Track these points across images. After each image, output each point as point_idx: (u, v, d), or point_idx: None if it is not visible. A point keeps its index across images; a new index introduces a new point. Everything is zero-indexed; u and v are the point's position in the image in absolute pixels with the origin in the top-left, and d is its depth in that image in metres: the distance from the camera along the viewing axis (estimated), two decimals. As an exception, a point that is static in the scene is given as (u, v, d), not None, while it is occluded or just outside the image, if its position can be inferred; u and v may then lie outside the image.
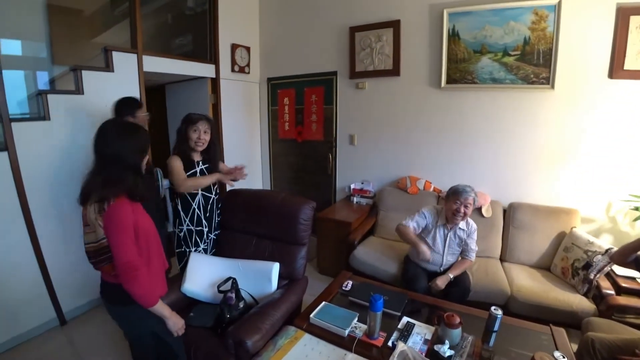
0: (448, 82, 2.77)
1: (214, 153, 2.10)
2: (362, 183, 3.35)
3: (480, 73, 2.63)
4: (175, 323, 1.33)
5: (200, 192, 2.04)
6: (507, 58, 2.52)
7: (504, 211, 2.64)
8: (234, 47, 3.58)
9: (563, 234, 2.37)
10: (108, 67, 2.56)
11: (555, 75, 2.40)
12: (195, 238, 2.06)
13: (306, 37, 3.57)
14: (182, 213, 2.03)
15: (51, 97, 2.27)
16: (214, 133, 2.05)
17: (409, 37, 2.92)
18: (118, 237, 1.18)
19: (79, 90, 2.40)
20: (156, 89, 3.96)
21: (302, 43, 3.62)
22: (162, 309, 1.28)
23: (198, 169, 2.01)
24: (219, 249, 2.19)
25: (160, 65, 2.96)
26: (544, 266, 2.39)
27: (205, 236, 2.10)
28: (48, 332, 2.33)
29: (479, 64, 2.62)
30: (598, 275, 1.98)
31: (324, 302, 1.77)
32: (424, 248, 2.07)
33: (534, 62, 2.44)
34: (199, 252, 2.07)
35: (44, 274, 2.30)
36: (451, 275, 2.03)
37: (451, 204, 2.06)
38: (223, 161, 3.58)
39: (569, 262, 2.17)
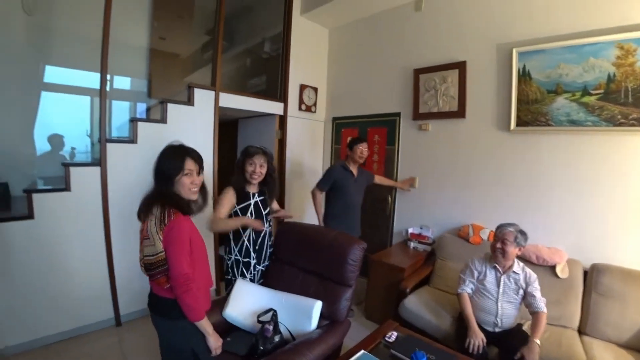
0: (518, 124, 2.56)
1: (271, 186, 2.14)
2: (421, 228, 3.17)
3: (556, 114, 2.39)
4: (215, 342, 1.40)
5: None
6: (588, 98, 2.26)
7: (585, 273, 2.24)
8: (302, 87, 3.82)
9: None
10: (189, 101, 2.90)
11: (650, 115, 2.07)
12: (242, 268, 2.08)
13: (371, 79, 3.67)
14: (232, 242, 2.08)
15: (140, 124, 2.63)
16: (271, 166, 2.10)
17: (475, 78, 2.82)
18: (176, 250, 1.28)
19: (163, 119, 2.75)
20: (230, 123, 4.36)
21: (366, 84, 3.71)
22: (206, 325, 1.36)
23: (252, 201, 2.06)
24: (266, 279, 2.19)
25: (234, 101, 3.26)
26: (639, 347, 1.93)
27: (252, 267, 2.10)
28: (103, 330, 2.57)
29: (554, 105, 2.39)
30: None
31: (362, 351, 1.64)
32: (474, 331, 1.86)
33: (621, 102, 2.14)
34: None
35: (111, 277, 2.58)
36: (538, 341, 1.74)
37: (492, 241, 1.96)
38: (283, 194, 3.74)
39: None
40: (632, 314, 1.97)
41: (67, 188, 2.35)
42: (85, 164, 2.52)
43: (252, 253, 2.09)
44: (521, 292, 1.91)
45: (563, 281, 2.21)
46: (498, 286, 1.94)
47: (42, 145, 3.24)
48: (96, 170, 2.45)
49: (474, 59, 2.82)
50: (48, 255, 2.31)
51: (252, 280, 2.11)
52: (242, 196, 2.04)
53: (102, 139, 2.44)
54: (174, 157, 1.38)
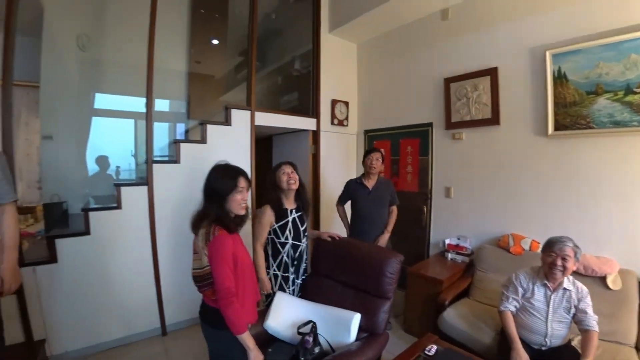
0: (556, 128, 2.47)
1: (304, 197, 2.21)
2: (458, 239, 3.10)
3: (597, 116, 2.28)
4: (257, 357, 1.41)
5: (290, 241, 2.12)
6: (632, 96, 2.14)
7: (640, 284, 2.08)
8: (334, 102, 3.91)
9: None
10: (227, 121, 3.06)
11: None
12: (280, 282, 2.13)
13: (401, 91, 3.69)
14: (271, 258, 2.14)
15: (182, 145, 2.80)
16: (299, 175, 2.17)
17: (507, 84, 2.76)
18: (219, 265, 1.36)
19: (203, 140, 2.91)
20: (265, 139, 4.52)
21: (397, 96, 3.73)
22: (247, 339, 1.39)
23: (290, 218, 2.11)
24: (305, 292, 2.23)
25: (269, 119, 3.39)
26: None
27: (291, 282, 2.16)
28: (150, 339, 2.72)
29: (595, 107, 2.28)
30: None
31: (402, 364, 1.64)
32: (518, 353, 1.74)
33: None
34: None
35: (157, 288, 2.73)
36: None
37: (546, 257, 1.80)
38: (318, 207, 3.79)
39: None
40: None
41: (118, 206, 2.55)
42: (134, 184, 2.72)
43: (290, 268, 2.15)
44: (573, 310, 1.77)
45: (615, 293, 2.07)
46: (548, 305, 1.80)
47: (92, 166, 3.55)
48: (144, 189, 2.64)
49: (506, 65, 2.77)
50: (102, 268, 2.50)
51: (294, 294, 2.16)
52: (280, 214, 2.10)
53: (148, 159, 2.63)
54: (228, 176, 1.49)
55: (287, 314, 1.97)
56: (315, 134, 3.82)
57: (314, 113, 3.81)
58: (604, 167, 2.31)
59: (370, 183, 2.89)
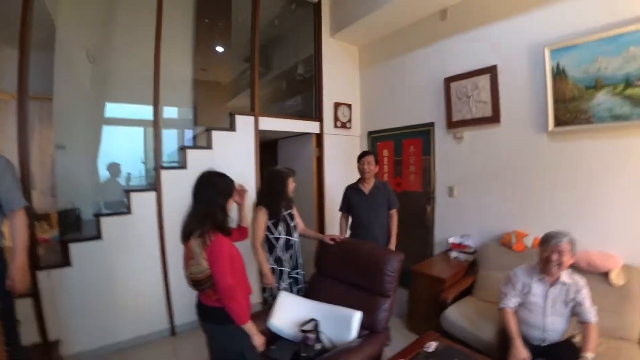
0: (557, 124, 2.46)
1: (290, 197, 2.37)
2: (462, 237, 3.10)
3: (597, 111, 2.27)
4: (259, 339, 1.57)
5: (283, 236, 2.27)
6: (631, 89, 2.12)
7: (644, 279, 2.06)
8: (336, 105, 3.96)
9: None
10: (231, 127, 3.14)
11: None
12: (278, 275, 2.27)
13: (403, 91, 3.72)
14: (267, 252, 2.28)
15: (189, 151, 2.89)
16: None
17: (507, 82, 2.77)
18: (220, 266, 1.44)
19: (209, 146, 3.00)
20: (270, 143, 4.60)
21: (399, 97, 3.76)
22: (251, 326, 1.53)
23: (281, 215, 2.28)
24: (309, 291, 2.32)
25: (272, 124, 3.47)
26: None
27: (286, 275, 2.30)
28: (160, 340, 2.81)
29: (594, 101, 2.27)
30: None
31: (402, 360, 1.67)
32: (518, 350, 1.75)
33: None
34: (282, 289, 2.24)
35: (166, 290, 2.83)
36: (590, 355, 1.60)
37: (542, 252, 1.80)
38: (323, 209, 3.84)
39: None
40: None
41: (128, 211, 2.65)
42: (143, 189, 2.81)
43: (284, 262, 2.29)
44: (571, 303, 1.77)
45: (619, 289, 2.05)
46: (545, 299, 1.81)
47: (104, 173, 3.67)
48: (152, 194, 2.74)
49: (505, 62, 2.78)
50: (113, 270, 2.60)
51: (289, 288, 2.29)
52: (274, 212, 2.25)
53: (157, 166, 2.73)
54: (229, 181, 1.61)
55: (290, 312, 2.03)
56: (319, 137, 3.88)
57: (318, 116, 3.87)
58: (605, 161, 2.30)
59: (366, 187, 2.85)
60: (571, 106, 2.39)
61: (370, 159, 2.79)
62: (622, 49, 2.15)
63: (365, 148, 4.16)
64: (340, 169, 4.03)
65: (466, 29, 3.06)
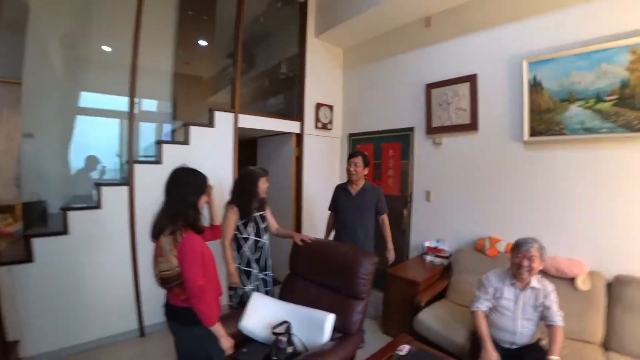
0: (532, 134, 2.54)
1: (263, 199, 2.34)
2: (438, 241, 3.15)
3: (569, 123, 2.36)
4: (227, 342, 1.52)
5: (252, 237, 2.25)
6: (602, 104, 2.23)
7: (608, 285, 2.15)
8: (318, 106, 3.94)
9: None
10: (210, 123, 3.07)
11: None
12: (242, 277, 2.25)
13: (384, 95, 3.74)
14: (235, 252, 2.25)
15: (165, 146, 2.80)
16: None
17: (486, 91, 2.84)
18: (190, 264, 1.39)
19: (186, 141, 2.92)
20: (250, 141, 4.53)
21: (380, 101, 3.79)
22: (219, 328, 1.48)
23: (252, 216, 2.25)
24: (282, 293, 2.29)
25: (252, 122, 3.41)
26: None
27: (253, 277, 2.27)
28: (128, 341, 2.71)
29: (567, 114, 2.37)
30: None
31: (373, 363, 1.66)
32: (488, 352, 1.79)
33: (637, 107, 2.09)
34: (248, 290, 2.22)
35: (136, 289, 2.72)
36: (556, 358, 1.66)
37: (514, 258, 1.86)
38: (301, 210, 3.81)
39: None
40: (660, 329, 1.89)
41: (98, 206, 2.54)
42: (115, 184, 2.71)
43: (252, 263, 2.26)
44: (540, 308, 1.83)
45: (584, 294, 2.14)
46: (516, 303, 1.86)
47: (76, 165, 3.51)
48: (124, 189, 2.64)
49: (485, 72, 2.84)
50: (80, 268, 2.49)
51: (254, 289, 2.25)
52: (245, 215, 2.23)
53: (129, 160, 2.63)
54: (202, 177, 1.56)
55: (262, 314, 1.99)
56: (299, 137, 3.85)
57: (299, 116, 3.84)
58: (575, 172, 2.39)
59: (354, 189, 2.77)
60: (546, 117, 2.47)
61: (358, 160, 2.69)
62: (595, 65, 2.24)
63: (347, 150, 4.16)
64: (320, 170, 4.02)
65: (449, 37, 3.12)
